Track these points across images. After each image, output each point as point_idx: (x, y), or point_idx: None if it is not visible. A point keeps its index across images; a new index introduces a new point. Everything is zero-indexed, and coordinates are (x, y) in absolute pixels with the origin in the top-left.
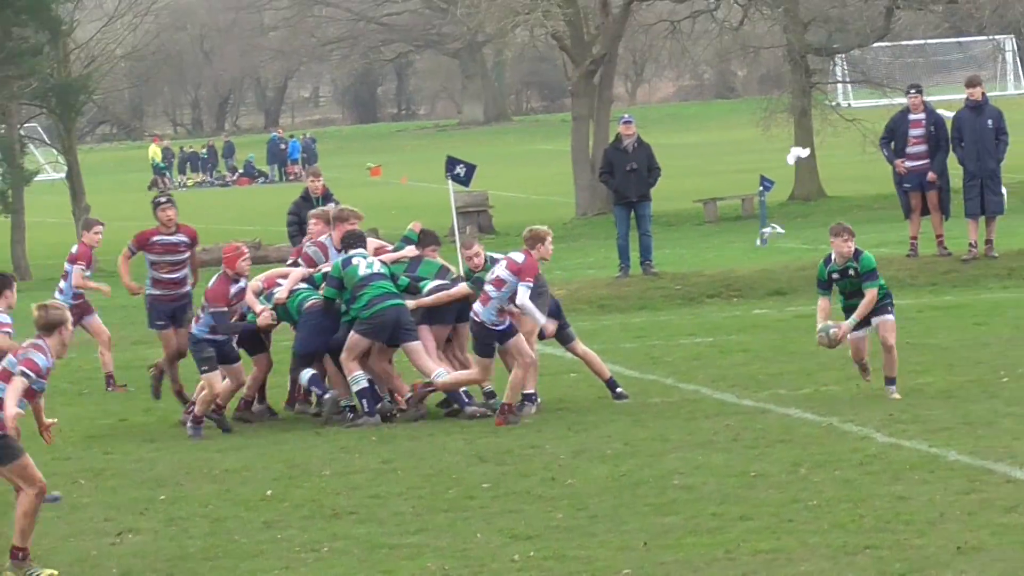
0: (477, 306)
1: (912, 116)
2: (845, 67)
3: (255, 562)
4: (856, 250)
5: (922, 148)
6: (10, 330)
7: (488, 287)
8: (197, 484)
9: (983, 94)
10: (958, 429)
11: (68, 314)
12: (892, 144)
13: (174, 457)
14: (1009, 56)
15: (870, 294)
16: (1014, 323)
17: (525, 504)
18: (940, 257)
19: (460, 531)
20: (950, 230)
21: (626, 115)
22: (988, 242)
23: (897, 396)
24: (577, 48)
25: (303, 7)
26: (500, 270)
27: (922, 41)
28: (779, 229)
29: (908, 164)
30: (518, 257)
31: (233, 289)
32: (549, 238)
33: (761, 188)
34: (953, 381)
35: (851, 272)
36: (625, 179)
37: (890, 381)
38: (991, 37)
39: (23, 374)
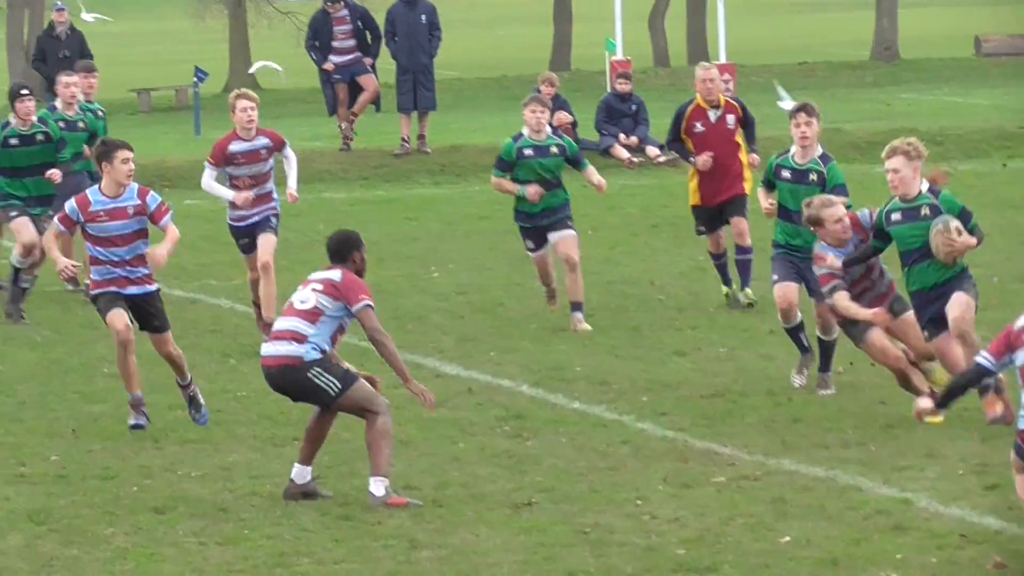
0: None
1: (335, 15)
2: None
3: None
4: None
5: (351, 43)
6: None
7: None
8: None
9: None
10: (388, 323)
11: None
12: (318, 44)
13: None
14: None
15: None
16: (445, 218)
17: None
18: (342, 151)
19: None
20: (383, 124)
21: (59, 3)
22: (420, 137)
23: (586, 327)
24: None
25: None
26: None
27: None
28: None
29: (337, 59)
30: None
31: None
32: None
33: (196, 79)
34: (383, 275)
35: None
36: (58, 66)
37: (576, 307)
38: None
39: None
